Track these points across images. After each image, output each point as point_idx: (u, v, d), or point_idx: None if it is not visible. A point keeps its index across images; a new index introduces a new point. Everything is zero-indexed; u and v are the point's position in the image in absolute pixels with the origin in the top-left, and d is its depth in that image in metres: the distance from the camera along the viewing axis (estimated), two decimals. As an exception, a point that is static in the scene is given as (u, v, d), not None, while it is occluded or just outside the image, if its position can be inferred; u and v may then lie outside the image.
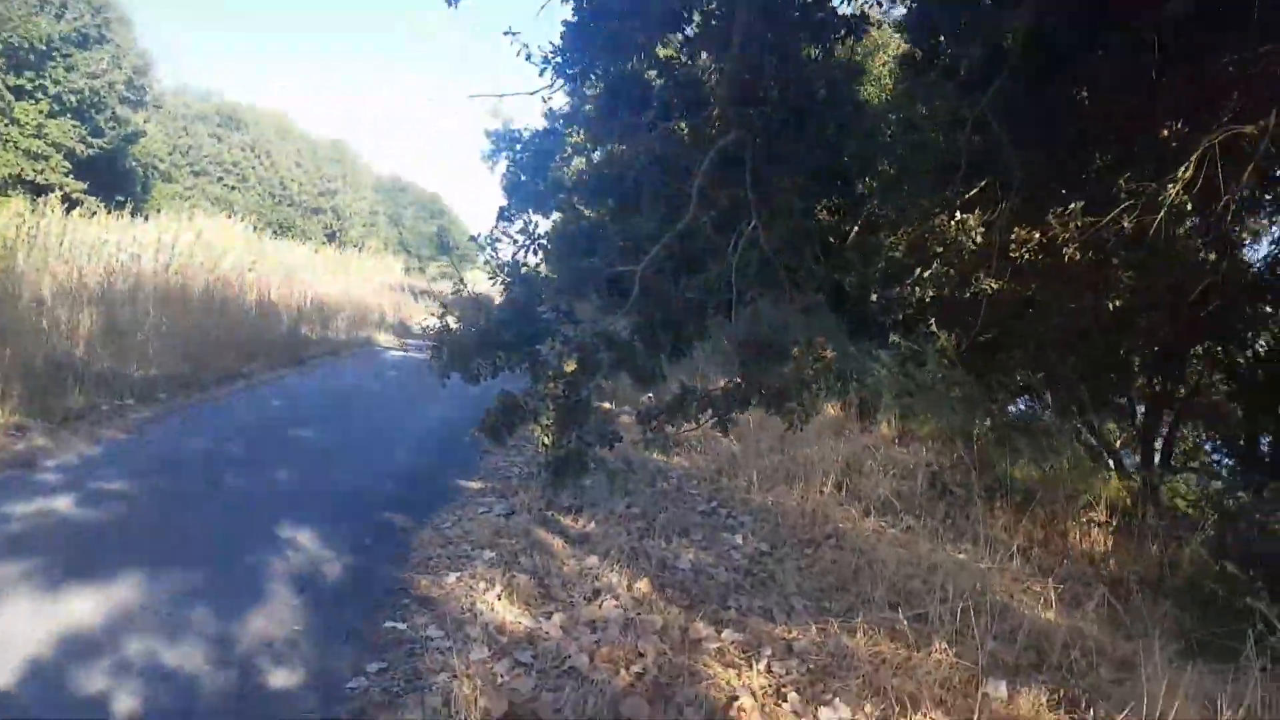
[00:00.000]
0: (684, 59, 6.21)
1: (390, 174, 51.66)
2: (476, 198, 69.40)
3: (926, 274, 7.52)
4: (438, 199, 53.55)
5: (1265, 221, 9.72)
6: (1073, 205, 6.68)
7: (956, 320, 8.18)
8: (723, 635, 4.15)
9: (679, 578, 5.02)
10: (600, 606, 4.38)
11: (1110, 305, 7.40)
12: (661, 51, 6.05)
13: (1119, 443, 8.59)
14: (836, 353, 5.30)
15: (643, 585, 4.74)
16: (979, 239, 7.28)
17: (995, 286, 8.09)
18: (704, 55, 6.14)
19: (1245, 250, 11.59)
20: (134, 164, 26.34)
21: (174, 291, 11.55)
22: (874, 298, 7.49)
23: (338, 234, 36.32)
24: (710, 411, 5.41)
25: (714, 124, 5.38)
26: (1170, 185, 6.69)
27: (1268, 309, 12.11)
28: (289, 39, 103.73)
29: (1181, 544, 5.72)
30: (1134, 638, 4.47)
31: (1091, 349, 7.96)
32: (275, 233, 27.78)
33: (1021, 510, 6.85)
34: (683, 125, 5.75)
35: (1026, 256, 7.77)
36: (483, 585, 4.57)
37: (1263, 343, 12.45)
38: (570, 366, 5.74)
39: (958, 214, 7.27)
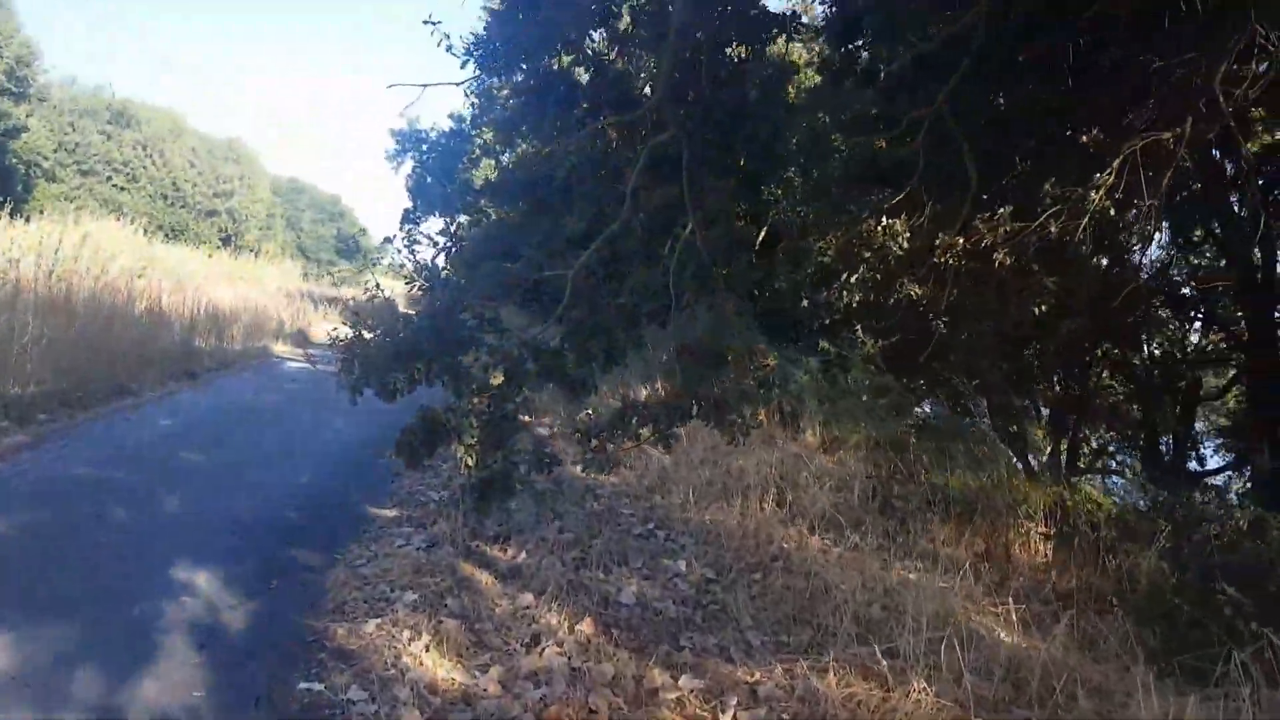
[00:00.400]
0: (614, 55, 5.78)
1: (289, 175, 49.55)
2: (379, 200, 67.30)
3: (853, 279, 7.29)
4: (338, 201, 51.64)
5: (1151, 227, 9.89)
6: (1002, 210, 6.53)
7: (881, 325, 8.03)
8: (680, 682, 3.75)
9: (624, 615, 4.59)
10: (542, 654, 3.92)
11: (1036, 310, 7.36)
12: (591, 47, 5.60)
13: (1046, 449, 8.55)
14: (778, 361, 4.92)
15: (586, 626, 4.28)
16: (905, 244, 7.10)
17: (918, 292, 7.94)
18: (635, 51, 5.72)
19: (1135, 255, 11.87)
20: (14, 161, 24.29)
21: (57, 299, 10.45)
22: (804, 303, 7.23)
23: (233, 237, 34.50)
24: (651, 427, 5.00)
25: (648, 122, 4.94)
26: (1094, 191, 6.60)
27: (1161, 312, 12.49)
28: (185, 32, 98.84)
29: (1128, 555, 5.57)
30: (1101, 659, 4.25)
31: (1020, 354, 7.93)
32: (167, 236, 26.14)
33: (963, 522, 6.66)
34: (613, 123, 5.30)
35: (950, 262, 7.62)
36: (407, 634, 4.03)
37: (1157, 346, 12.85)
38: (497, 379, 5.24)
39: (884, 219, 7.07)
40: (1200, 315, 12.63)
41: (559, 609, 4.53)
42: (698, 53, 4.80)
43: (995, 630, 4.69)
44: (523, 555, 5.44)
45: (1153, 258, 12.12)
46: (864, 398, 7.88)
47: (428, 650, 3.92)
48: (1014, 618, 4.70)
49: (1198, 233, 11.23)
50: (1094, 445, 14.32)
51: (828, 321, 7.79)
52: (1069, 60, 6.31)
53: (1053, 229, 6.45)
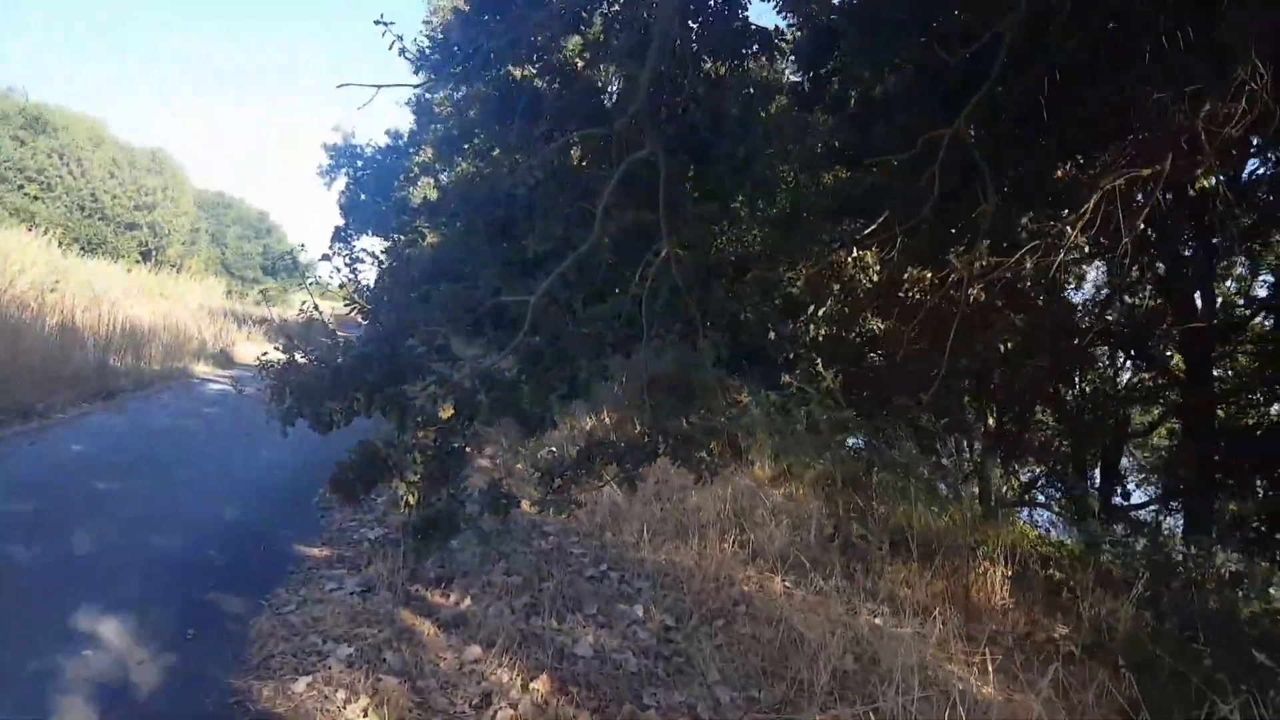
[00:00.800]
0: (582, 66, 5.53)
1: (216, 189, 48.12)
2: (309, 217, 65.81)
3: (821, 311, 7.13)
4: (266, 217, 50.24)
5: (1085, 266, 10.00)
6: (979, 245, 6.44)
7: (845, 359, 7.88)
8: (650, 749, 3.40)
9: (581, 669, 4.25)
10: (494, 717, 3.52)
11: (1002, 348, 7.30)
12: (559, 56, 5.35)
13: (1010, 488, 8.46)
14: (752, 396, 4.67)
15: (541, 684, 3.94)
16: (874, 277, 6.98)
17: (882, 326, 7.82)
18: (606, 62, 5.48)
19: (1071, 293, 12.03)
20: (-82, 168, 22.99)
21: (-47, 313, 9.73)
22: (770, 334, 7.04)
23: (154, 252, 33.17)
24: (616, 466, 4.70)
25: (623, 138, 4.69)
26: (1069, 228, 6.55)
27: (1096, 350, 12.71)
28: (110, 41, 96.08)
29: (1102, 601, 5.43)
30: (1086, 714, 4.05)
31: (984, 390, 7.87)
32: (84, 249, 24.96)
33: (925, 563, 6.47)
34: (583, 137, 5.04)
35: (917, 296, 7.52)
36: (342, 694, 3.64)
37: (1088, 383, 13.09)
38: (446, 412, 4.90)
39: (855, 250, 6.94)
40: (1133, 353, 12.92)
41: (510, 663, 4.17)
42: (677, 65, 4.58)
43: (972, 682, 4.48)
44: (467, 601, 5.05)
45: (1085, 296, 12.38)
46: (821, 433, 7.71)
47: (366, 714, 3.52)
48: (990, 668, 4.49)
49: (1135, 271, 11.47)
50: (1021, 480, 14.53)
51: (791, 355, 7.63)
52: (1046, 94, 6.29)
53: (1028, 264, 6.39)
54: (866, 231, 6.86)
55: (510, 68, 5.16)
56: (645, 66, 4.51)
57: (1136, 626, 4.93)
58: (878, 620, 5.36)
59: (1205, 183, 9.51)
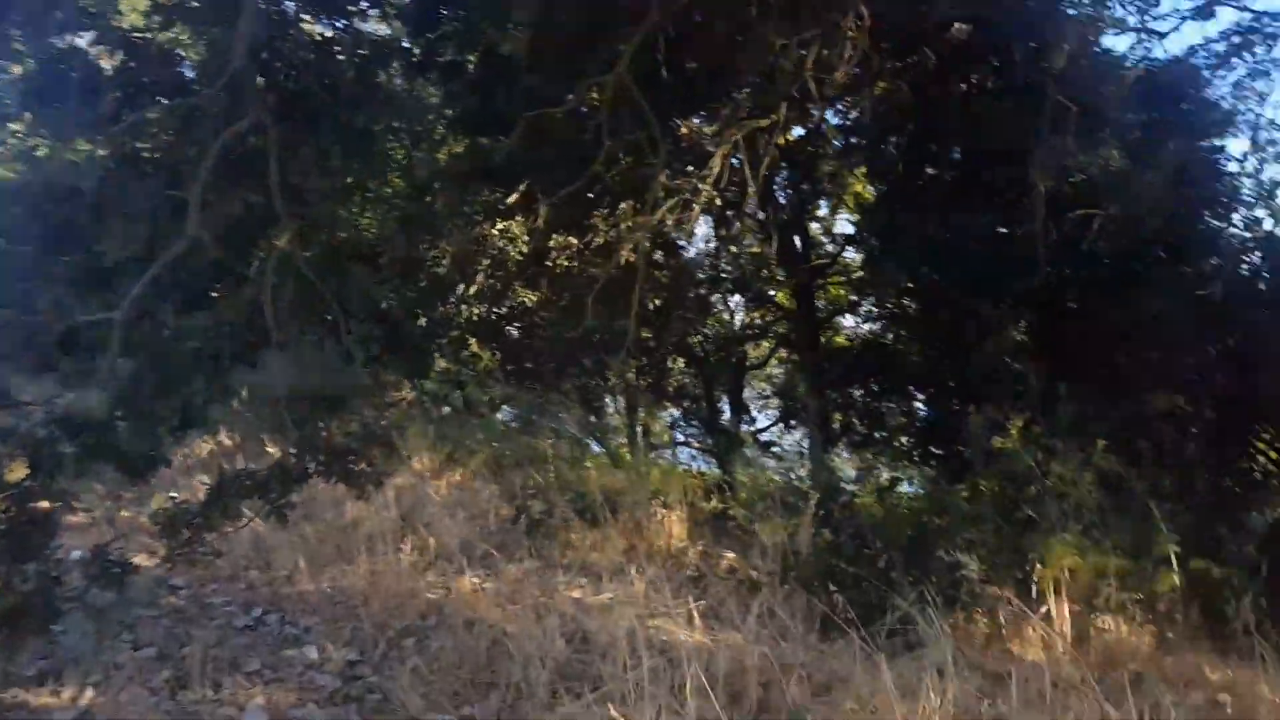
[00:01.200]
0: (154, 32, 4.62)
1: None
2: None
3: (473, 290, 6.81)
4: None
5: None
6: (623, 205, 6.49)
7: (501, 336, 7.69)
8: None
9: (258, 741, 3.60)
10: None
11: (652, 305, 7.51)
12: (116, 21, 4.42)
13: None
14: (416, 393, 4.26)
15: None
16: (524, 248, 6.80)
17: (534, 298, 7.70)
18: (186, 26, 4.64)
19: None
20: None
21: None
22: (420, 321, 6.58)
23: None
24: (259, 498, 4.05)
25: (214, 111, 3.97)
26: (702, 183, 6.80)
27: (713, 297, 13.89)
28: None
29: (783, 528, 5.76)
30: (790, 639, 4.26)
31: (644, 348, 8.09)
32: None
33: (610, 524, 6.51)
34: (164, 113, 4.22)
35: (565, 264, 7.48)
36: None
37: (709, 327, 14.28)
38: (16, 472, 3.94)
39: (499, 222, 6.70)
40: (746, 296, 14.39)
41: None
42: (275, 27, 3.95)
43: (683, 637, 4.51)
44: (89, 694, 4.12)
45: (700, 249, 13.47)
46: (485, 414, 7.47)
47: None
48: (696, 615, 4.57)
49: (738, 221, 12.66)
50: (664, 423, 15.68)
51: (445, 340, 7.25)
52: (664, 51, 6.43)
53: (669, 221, 6.55)
54: (509, 201, 6.64)
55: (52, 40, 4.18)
56: (238, 27, 3.82)
57: (817, 546, 5.30)
58: (577, 594, 5.26)
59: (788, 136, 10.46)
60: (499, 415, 7.79)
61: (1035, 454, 5.35)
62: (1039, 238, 7.29)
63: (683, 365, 14.06)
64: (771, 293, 13.78)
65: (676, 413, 15.68)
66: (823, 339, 13.33)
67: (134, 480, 4.17)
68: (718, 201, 7.33)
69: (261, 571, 5.90)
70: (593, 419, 8.23)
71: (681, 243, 9.79)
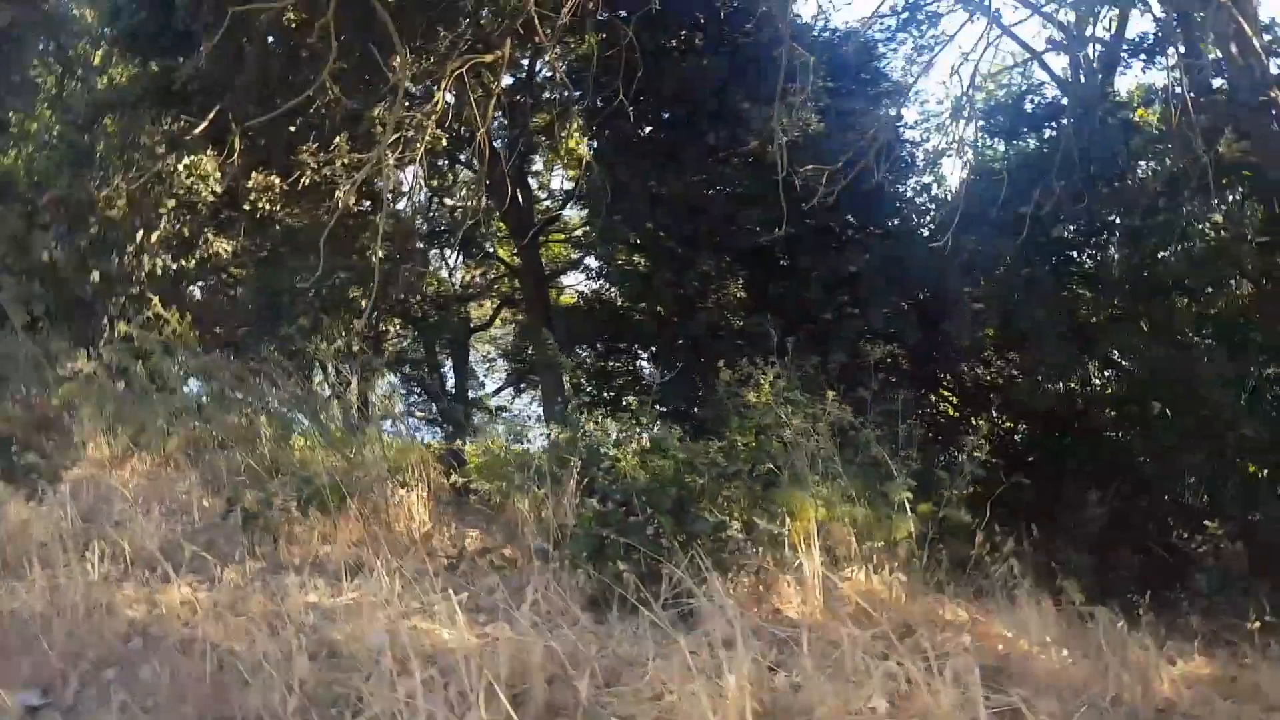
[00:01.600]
0: None
1: None
2: None
3: (154, 237, 5.70)
4: None
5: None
6: (337, 140, 5.73)
7: (189, 295, 6.55)
8: None
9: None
10: None
11: (375, 258, 6.79)
12: None
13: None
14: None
15: None
16: (218, 188, 5.80)
17: (229, 248, 6.69)
18: None
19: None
20: None
21: None
22: (92, 276, 5.38)
23: None
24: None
25: None
26: (428, 119, 6.26)
27: (430, 254, 13.39)
28: None
29: (545, 499, 5.45)
30: (568, 624, 3.99)
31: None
32: None
33: (340, 511, 5.84)
34: None
35: (265, 207, 6.56)
36: None
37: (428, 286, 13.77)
38: None
39: (186, 155, 5.64)
40: (469, 251, 13.95)
41: None
42: None
43: (445, 635, 4.07)
44: None
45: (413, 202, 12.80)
46: (174, 389, 6.38)
47: None
48: (459, 610, 4.13)
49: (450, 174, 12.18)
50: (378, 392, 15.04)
51: (123, 298, 6.02)
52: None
53: (390, 160, 5.91)
54: (197, 131, 5.61)
55: None
56: None
57: (582, 517, 5.03)
58: (313, 597, 4.61)
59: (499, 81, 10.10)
60: (188, 389, 6.70)
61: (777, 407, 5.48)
62: (776, 195, 7.50)
63: (398, 327, 13.34)
64: (491, 249, 13.39)
65: (395, 379, 14.89)
66: (553, 295, 13.23)
67: None
68: (444, 142, 6.75)
69: None
70: (299, 390, 7.35)
71: (392, 191, 9.09)
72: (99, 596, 4.45)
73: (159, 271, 5.97)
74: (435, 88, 7.03)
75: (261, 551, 5.48)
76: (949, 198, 12.57)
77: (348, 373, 10.52)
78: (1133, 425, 10.01)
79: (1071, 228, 10.42)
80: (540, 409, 16.67)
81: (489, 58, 6.36)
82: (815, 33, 11.45)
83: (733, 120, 10.75)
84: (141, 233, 5.75)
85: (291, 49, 6.71)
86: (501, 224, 12.37)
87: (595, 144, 12.07)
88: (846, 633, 3.73)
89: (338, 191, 5.90)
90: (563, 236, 15.35)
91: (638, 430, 5.24)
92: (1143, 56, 10.36)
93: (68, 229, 5.07)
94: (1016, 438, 11.05)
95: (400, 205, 11.83)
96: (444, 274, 14.65)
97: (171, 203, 5.70)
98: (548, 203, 14.73)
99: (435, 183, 12.22)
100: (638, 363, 13.40)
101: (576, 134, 12.46)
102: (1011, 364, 11.12)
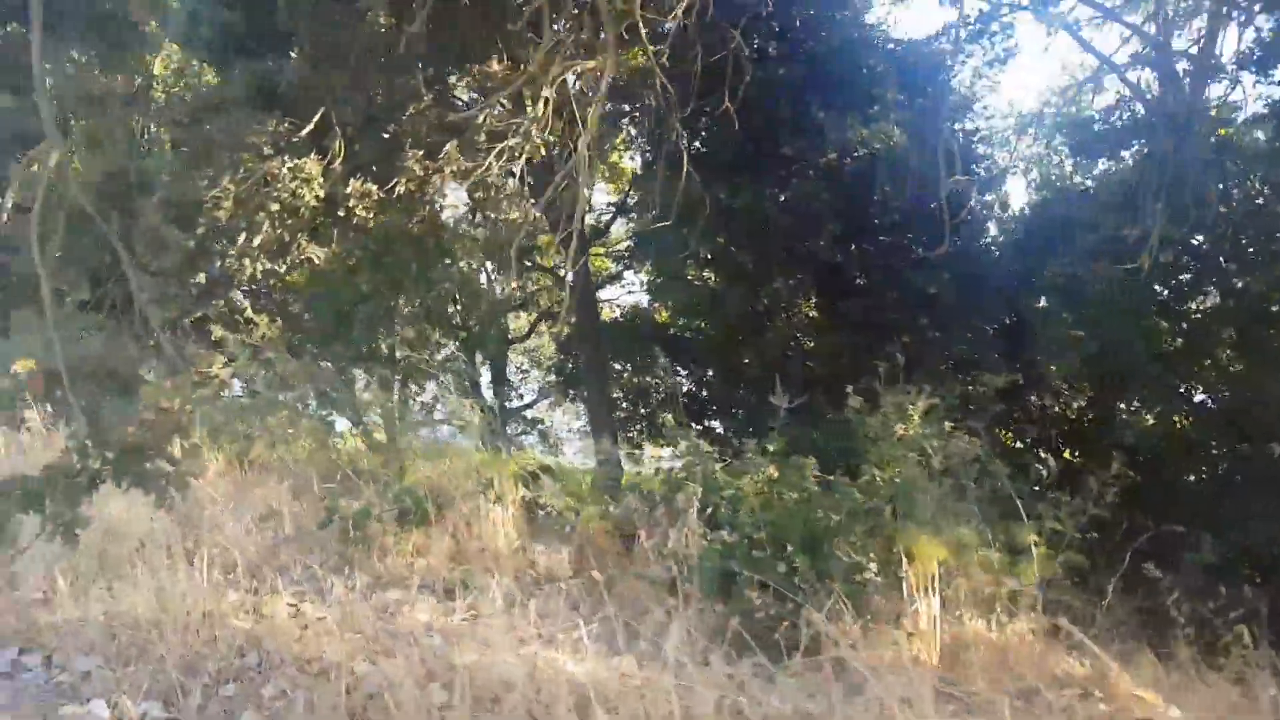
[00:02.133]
0: None
1: None
2: None
3: (256, 240, 5.73)
4: None
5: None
6: (448, 148, 5.71)
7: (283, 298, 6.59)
8: None
9: None
10: None
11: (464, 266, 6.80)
12: None
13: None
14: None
15: None
16: (321, 193, 5.81)
17: (321, 255, 6.71)
18: None
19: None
20: None
21: None
22: (200, 278, 5.41)
23: None
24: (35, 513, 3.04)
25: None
26: (533, 124, 6.22)
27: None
28: None
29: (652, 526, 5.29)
30: (700, 659, 3.83)
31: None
32: None
33: (439, 525, 5.78)
34: None
35: (362, 214, 6.56)
36: None
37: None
38: None
39: (288, 159, 5.65)
40: (497, 264, 14.04)
41: None
42: None
43: (582, 670, 3.90)
44: None
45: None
46: (281, 396, 6.37)
47: None
48: (588, 641, 3.99)
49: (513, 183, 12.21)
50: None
51: (220, 302, 6.05)
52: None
53: (495, 168, 5.87)
54: (303, 133, 5.62)
55: None
56: None
57: (709, 548, 4.85)
58: (423, 615, 4.54)
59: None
60: (280, 395, 6.70)
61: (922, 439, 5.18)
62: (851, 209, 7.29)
63: (438, 336, 13.41)
64: (535, 261, 13.38)
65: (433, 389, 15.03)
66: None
67: None
68: (542, 151, 6.69)
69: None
70: (385, 400, 7.31)
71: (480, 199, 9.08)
72: (207, 604, 4.42)
73: (259, 275, 6.01)
74: (527, 96, 7.00)
75: (359, 562, 5.45)
76: (1027, 215, 12.31)
77: (444, 384, 10.56)
78: (1240, 461, 9.56)
79: (1163, 253, 10.07)
80: (577, 422, 16.69)
81: (590, 64, 6.32)
82: (884, 45, 11.20)
83: (811, 130, 10.47)
84: (244, 235, 5.78)
85: (388, 52, 6.73)
86: (549, 235, 12.14)
87: (652, 155, 11.71)
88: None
89: (432, 199, 5.88)
90: (602, 250, 15.35)
91: (761, 458, 4.99)
92: (1253, 68, 9.88)
93: (182, 228, 5.09)
94: (1122, 475, 10.61)
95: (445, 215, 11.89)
96: (483, 284, 14.68)
97: (275, 206, 5.72)
98: (597, 214, 14.71)
99: (479, 194, 12.28)
100: (675, 379, 13.20)
101: (618, 147, 12.36)
102: (1107, 396, 10.71)
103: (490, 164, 5.62)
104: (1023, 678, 4.18)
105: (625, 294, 16.57)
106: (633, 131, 11.90)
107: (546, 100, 6.03)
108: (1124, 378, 9.78)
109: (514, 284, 13.49)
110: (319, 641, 4.12)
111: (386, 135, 6.89)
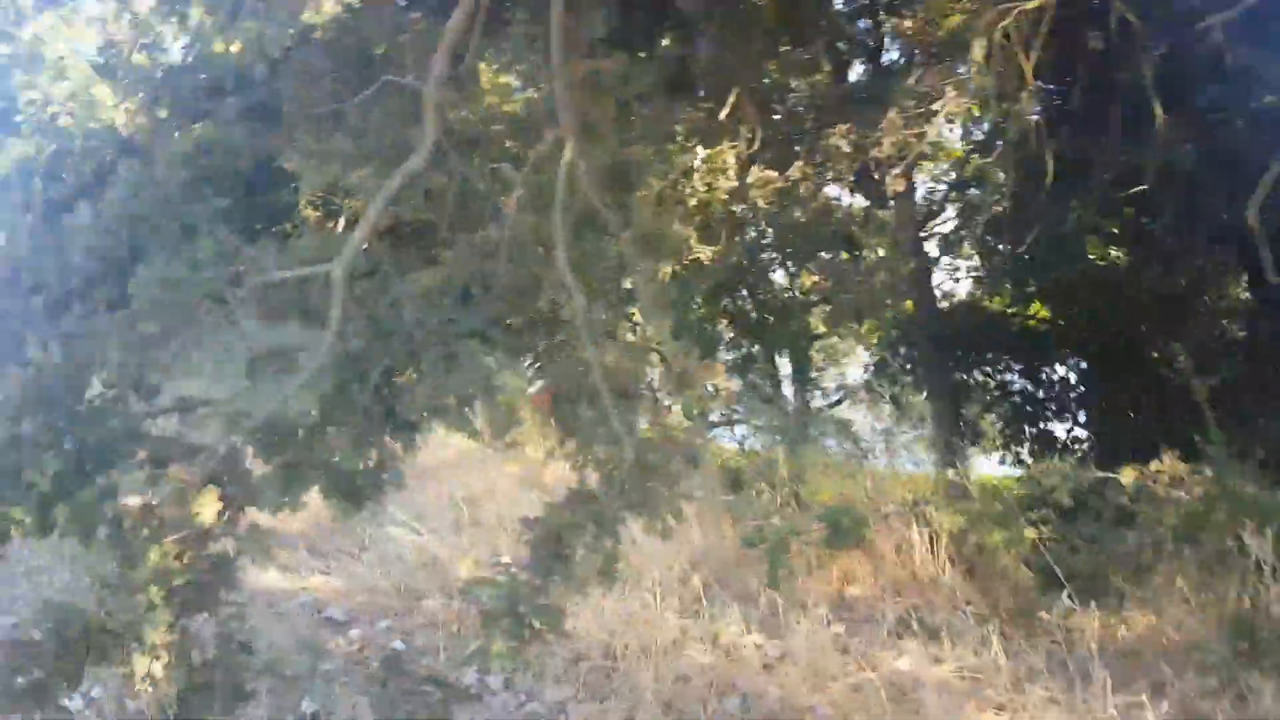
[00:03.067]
0: None
1: None
2: None
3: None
4: None
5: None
6: (840, 126, 5.21)
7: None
8: None
9: None
10: None
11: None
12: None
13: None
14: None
15: None
16: (733, 183, 5.52)
17: (709, 254, 6.41)
18: None
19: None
20: None
21: None
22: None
23: None
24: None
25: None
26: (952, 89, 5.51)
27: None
28: None
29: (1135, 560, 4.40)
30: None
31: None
32: None
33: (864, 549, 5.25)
34: None
35: (764, 205, 6.18)
36: None
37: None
38: (203, 507, 2.85)
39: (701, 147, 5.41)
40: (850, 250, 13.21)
41: None
42: None
43: None
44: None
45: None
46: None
47: None
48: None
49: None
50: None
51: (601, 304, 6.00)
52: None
53: (927, 134, 5.25)
54: (722, 115, 5.33)
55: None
56: None
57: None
58: (903, 663, 3.99)
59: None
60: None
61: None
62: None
63: (730, 331, 12.96)
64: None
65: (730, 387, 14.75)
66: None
67: (350, 506, 2.96)
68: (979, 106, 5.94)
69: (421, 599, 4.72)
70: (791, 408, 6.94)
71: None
72: (669, 634, 4.14)
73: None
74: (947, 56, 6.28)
75: (783, 588, 5.04)
76: None
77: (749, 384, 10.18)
78: None
79: None
80: (880, 424, 15.57)
81: (1032, 4, 5.49)
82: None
83: (1234, 74, 8.71)
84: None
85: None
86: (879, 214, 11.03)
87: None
88: None
89: (891, 176, 5.32)
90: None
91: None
92: None
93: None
94: None
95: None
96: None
97: (692, 201, 5.49)
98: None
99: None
100: (1005, 377, 11.73)
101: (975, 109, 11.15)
102: None
103: (930, 129, 5.01)
104: None
105: (950, 280, 15.22)
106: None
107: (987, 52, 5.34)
108: None
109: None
110: (797, 689, 3.72)
111: (777, 117, 6.49)
